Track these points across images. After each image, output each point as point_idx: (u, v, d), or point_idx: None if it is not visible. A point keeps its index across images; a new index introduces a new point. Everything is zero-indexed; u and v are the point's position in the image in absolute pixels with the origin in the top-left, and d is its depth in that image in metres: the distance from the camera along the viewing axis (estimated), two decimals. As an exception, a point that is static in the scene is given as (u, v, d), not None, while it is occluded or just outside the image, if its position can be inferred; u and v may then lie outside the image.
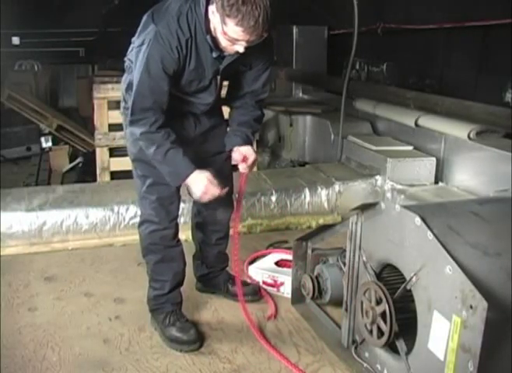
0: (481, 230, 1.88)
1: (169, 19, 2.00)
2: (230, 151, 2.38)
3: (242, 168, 2.33)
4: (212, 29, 2.02)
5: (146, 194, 2.31)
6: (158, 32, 1.99)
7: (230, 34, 1.94)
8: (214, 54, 2.10)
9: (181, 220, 3.27)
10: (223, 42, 2.01)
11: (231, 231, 2.63)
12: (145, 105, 2.07)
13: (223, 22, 1.91)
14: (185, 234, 2.90)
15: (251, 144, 2.37)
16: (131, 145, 2.30)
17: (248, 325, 2.44)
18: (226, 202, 2.45)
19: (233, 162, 2.38)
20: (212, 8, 1.96)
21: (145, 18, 2.10)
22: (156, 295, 2.41)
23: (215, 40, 2.04)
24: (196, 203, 2.57)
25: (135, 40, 2.12)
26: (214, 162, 2.40)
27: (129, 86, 2.19)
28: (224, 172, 2.40)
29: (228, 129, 2.41)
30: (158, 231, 2.33)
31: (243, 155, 2.30)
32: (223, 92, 2.40)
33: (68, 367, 2.20)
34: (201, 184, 2.15)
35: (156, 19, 2.02)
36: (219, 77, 2.20)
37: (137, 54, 2.07)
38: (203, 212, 2.55)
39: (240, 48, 2.00)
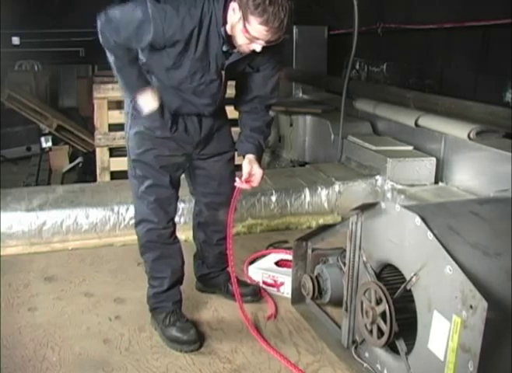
0: (481, 230, 1.88)
1: (181, 3, 1.99)
2: (234, 151, 2.38)
3: (242, 185, 2.30)
4: (229, 26, 2.02)
5: (144, 195, 2.31)
6: (164, 7, 1.97)
7: (252, 33, 1.94)
8: (224, 48, 2.09)
9: (181, 220, 3.29)
10: (241, 40, 2.01)
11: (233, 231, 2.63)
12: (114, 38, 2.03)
13: (246, 20, 1.91)
14: (185, 234, 2.91)
15: (263, 151, 2.36)
16: (136, 146, 2.29)
17: (248, 325, 2.44)
18: (227, 202, 2.45)
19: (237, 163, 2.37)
20: (233, 5, 1.96)
21: None
22: (155, 293, 2.41)
23: (228, 36, 2.04)
24: (198, 203, 2.57)
25: None
26: (217, 162, 2.41)
27: None
28: (226, 172, 2.41)
29: (237, 133, 2.40)
30: (156, 229, 2.33)
31: (251, 174, 2.28)
32: (230, 93, 2.39)
33: (68, 367, 2.20)
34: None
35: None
36: (223, 72, 2.18)
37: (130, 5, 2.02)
38: (204, 212, 2.55)
39: (258, 47, 2.00)
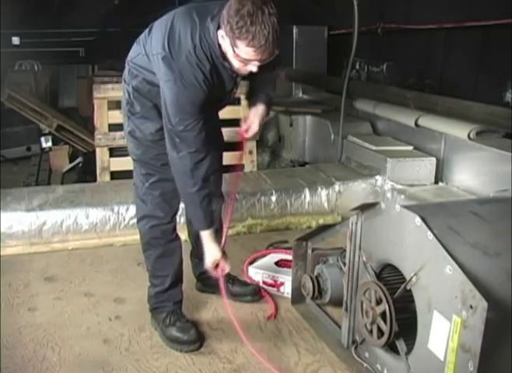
0: (481, 230, 1.87)
1: (187, 54, 2.00)
2: (223, 149, 2.42)
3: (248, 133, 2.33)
4: (224, 53, 2.03)
5: (149, 190, 2.33)
6: (180, 76, 1.99)
7: (242, 56, 1.94)
8: (233, 74, 2.11)
9: (181, 220, 3.28)
10: (236, 64, 2.01)
11: (230, 231, 2.62)
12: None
13: (234, 45, 1.92)
14: (185, 234, 2.90)
15: (271, 100, 2.38)
16: (135, 147, 2.30)
17: (249, 325, 2.44)
18: (217, 192, 2.43)
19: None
20: (221, 33, 1.97)
21: (156, 37, 2.07)
22: (156, 292, 2.41)
23: (229, 61, 2.06)
24: None
25: (151, 52, 2.11)
26: None
27: (132, 76, 2.23)
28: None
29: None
30: (160, 225, 2.35)
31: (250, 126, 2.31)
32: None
33: (68, 367, 2.20)
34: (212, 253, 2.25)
35: (174, 55, 2.00)
36: (235, 90, 2.24)
37: (164, 89, 2.06)
38: None
39: (254, 68, 2.01)
